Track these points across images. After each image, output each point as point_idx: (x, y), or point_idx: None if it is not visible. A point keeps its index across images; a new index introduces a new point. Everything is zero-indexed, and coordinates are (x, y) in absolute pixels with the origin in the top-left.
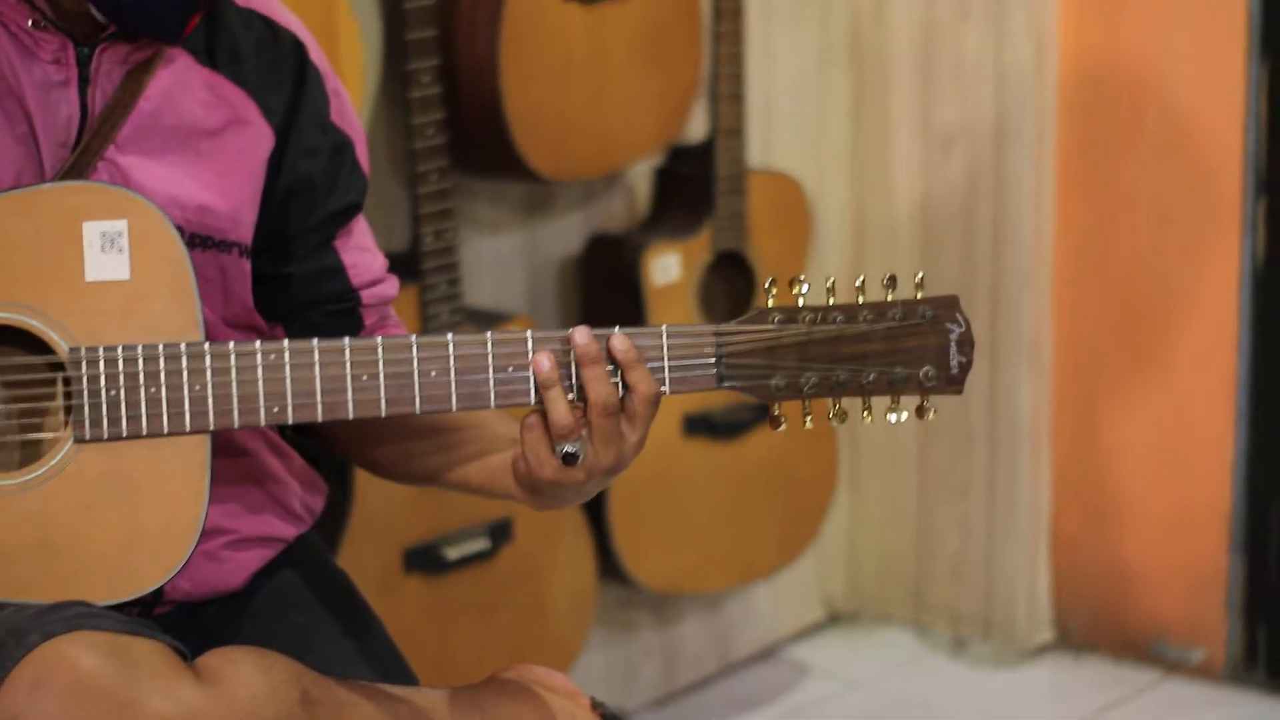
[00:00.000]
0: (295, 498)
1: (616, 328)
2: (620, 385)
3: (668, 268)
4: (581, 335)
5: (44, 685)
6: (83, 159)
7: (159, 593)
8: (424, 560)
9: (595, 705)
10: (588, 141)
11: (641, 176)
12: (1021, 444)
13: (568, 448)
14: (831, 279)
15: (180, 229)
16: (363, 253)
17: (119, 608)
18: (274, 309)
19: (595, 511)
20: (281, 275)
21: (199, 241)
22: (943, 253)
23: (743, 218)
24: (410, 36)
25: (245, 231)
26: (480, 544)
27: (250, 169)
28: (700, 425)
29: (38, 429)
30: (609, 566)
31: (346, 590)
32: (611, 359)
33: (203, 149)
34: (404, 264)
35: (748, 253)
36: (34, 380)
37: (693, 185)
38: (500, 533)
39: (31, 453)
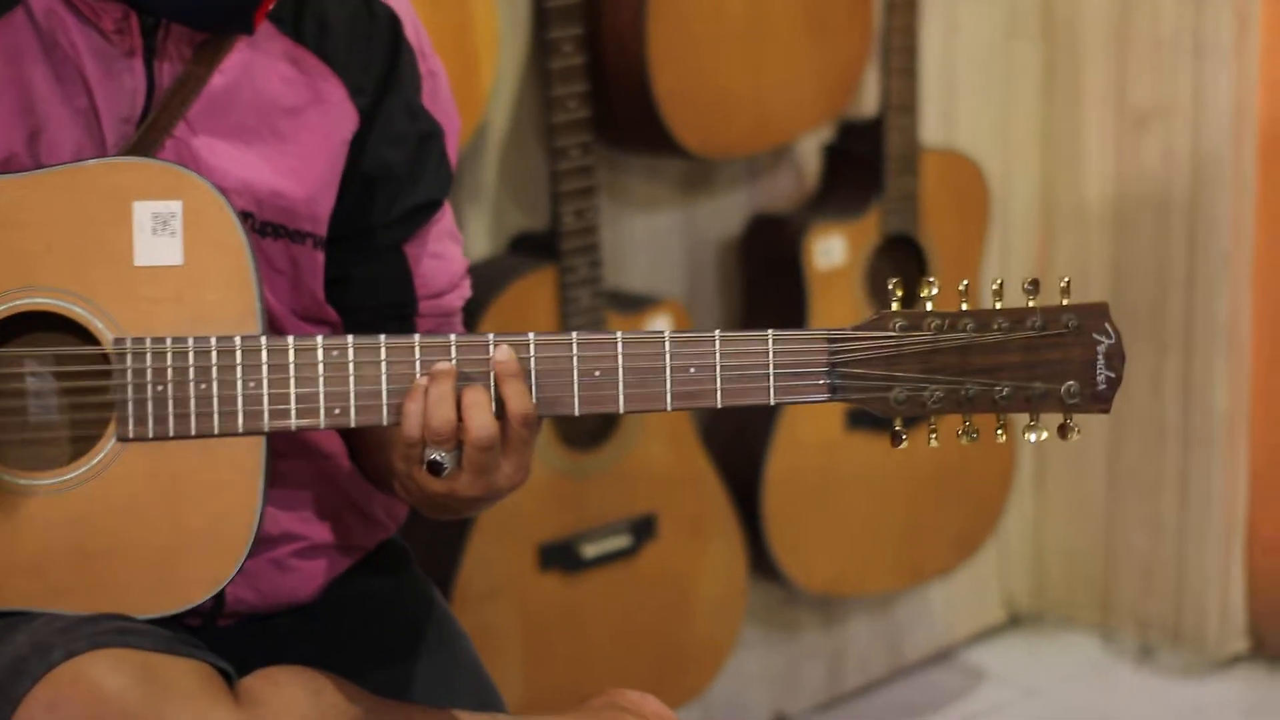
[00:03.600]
0: (376, 502)
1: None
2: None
3: (831, 250)
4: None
5: (60, 707)
6: (149, 136)
7: (221, 603)
8: (561, 557)
9: None
10: (743, 117)
11: (811, 152)
12: (1217, 439)
13: (435, 455)
14: (965, 282)
15: (251, 215)
16: (435, 260)
17: (176, 619)
18: (330, 303)
19: (747, 507)
20: (343, 276)
21: (271, 230)
22: (1136, 237)
23: (914, 199)
24: (551, 3)
25: (321, 222)
26: (622, 541)
27: (330, 154)
28: (866, 418)
29: (87, 425)
30: (763, 565)
31: (429, 603)
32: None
33: (281, 129)
34: (542, 244)
35: (919, 236)
36: (85, 372)
37: (862, 164)
38: (643, 529)
39: (83, 449)
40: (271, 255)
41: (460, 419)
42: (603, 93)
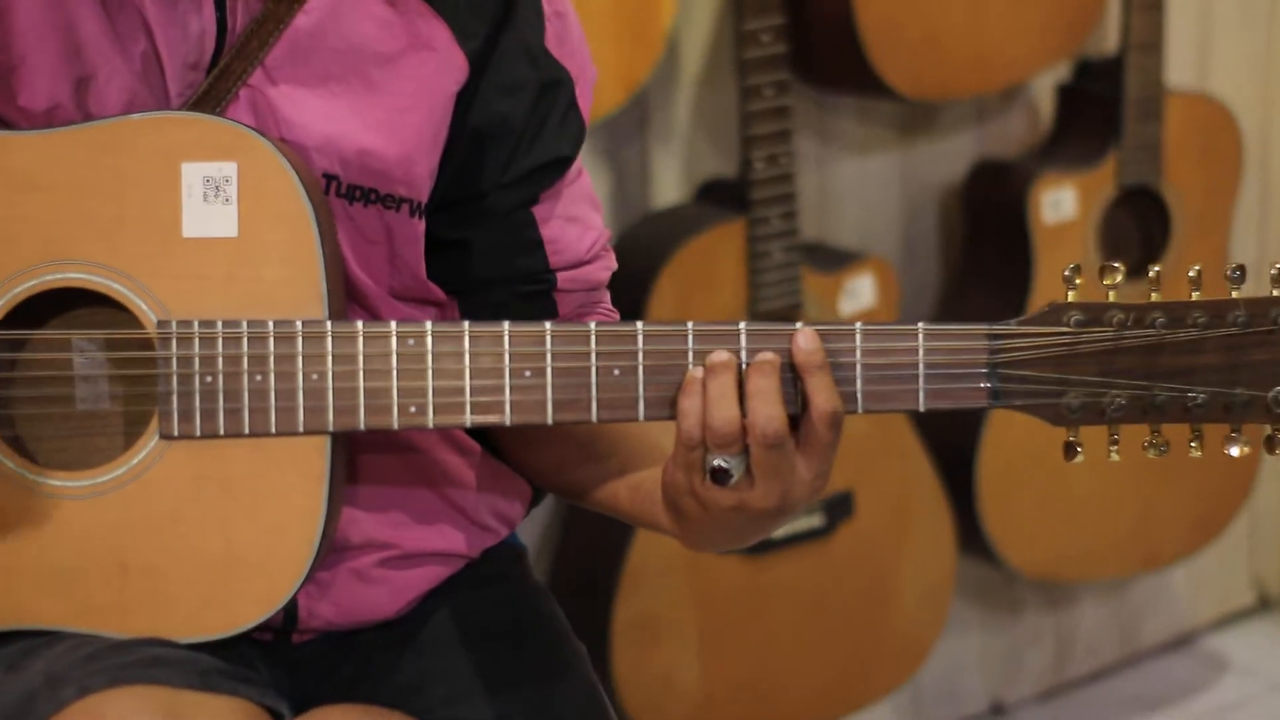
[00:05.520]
0: (482, 504)
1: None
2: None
3: (1060, 203)
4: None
5: None
6: (219, 85)
7: (293, 618)
8: None
9: None
10: (960, 55)
11: (1046, 92)
12: None
13: (719, 461)
14: (1157, 268)
15: (335, 178)
16: (569, 224)
17: (241, 636)
18: (450, 281)
19: (958, 485)
20: (460, 241)
21: (360, 194)
22: None
23: (1156, 148)
24: None
25: (419, 185)
26: (813, 520)
27: (432, 107)
28: None
29: (127, 419)
30: (975, 545)
31: (541, 620)
32: (791, 362)
33: (373, 78)
34: (732, 192)
35: (1161, 189)
36: (123, 359)
37: (1099, 107)
38: (839, 508)
39: (123, 446)
40: (364, 224)
41: (744, 414)
42: (803, 26)
